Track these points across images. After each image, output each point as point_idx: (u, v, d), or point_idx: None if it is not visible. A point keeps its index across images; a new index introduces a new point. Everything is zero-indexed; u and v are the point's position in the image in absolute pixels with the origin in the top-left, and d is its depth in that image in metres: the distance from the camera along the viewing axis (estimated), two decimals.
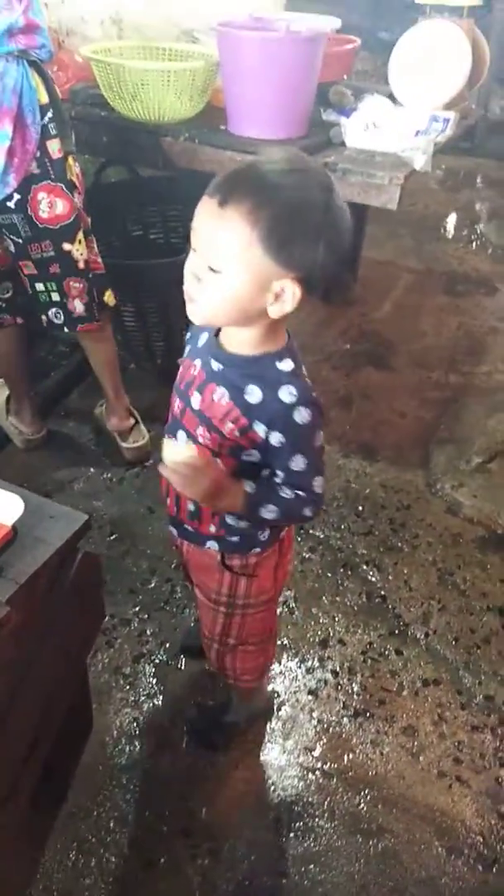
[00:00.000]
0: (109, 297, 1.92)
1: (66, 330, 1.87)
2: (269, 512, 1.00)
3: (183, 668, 1.61)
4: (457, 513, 2.04)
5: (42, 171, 1.62)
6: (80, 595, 1.13)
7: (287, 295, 0.89)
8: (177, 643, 1.65)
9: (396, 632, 1.71)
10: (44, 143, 1.60)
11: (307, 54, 1.85)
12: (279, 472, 1.00)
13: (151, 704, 1.53)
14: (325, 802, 1.40)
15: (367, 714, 1.54)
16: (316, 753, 1.47)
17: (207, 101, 2.13)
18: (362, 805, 1.39)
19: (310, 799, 1.40)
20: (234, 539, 1.11)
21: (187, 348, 1.09)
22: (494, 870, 1.31)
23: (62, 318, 1.82)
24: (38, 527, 1.06)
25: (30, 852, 1.29)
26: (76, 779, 1.40)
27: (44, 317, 1.84)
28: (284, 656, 1.64)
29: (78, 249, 1.73)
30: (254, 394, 0.96)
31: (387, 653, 1.66)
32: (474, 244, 3.67)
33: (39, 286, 1.77)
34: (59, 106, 1.63)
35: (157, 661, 1.61)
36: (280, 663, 1.63)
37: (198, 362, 1.03)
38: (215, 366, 1.00)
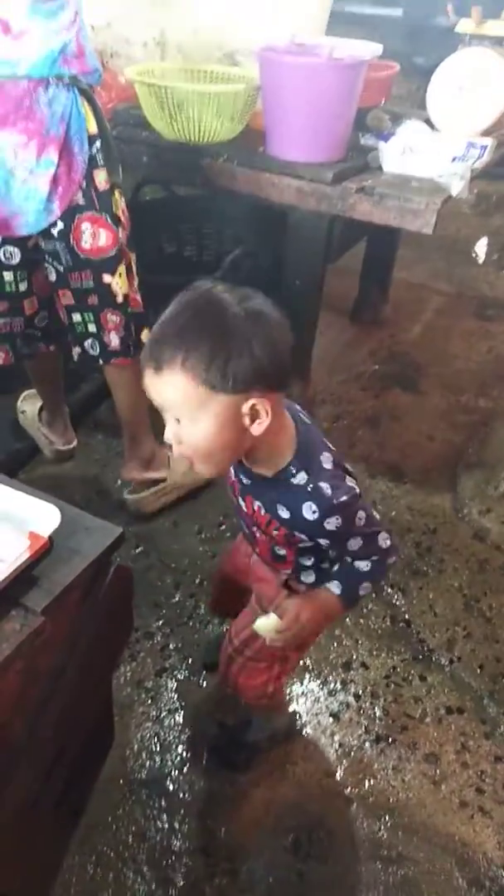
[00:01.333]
0: (146, 336, 1.91)
1: (100, 362, 1.83)
2: (364, 589, 1.07)
3: (205, 684, 1.61)
4: (484, 539, 2.03)
5: (87, 201, 1.59)
6: (112, 608, 1.14)
7: (259, 411, 0.90)
8: (199, 659, 1.65)
9: (420, 657, 1.70)
10: (91, 174, 1.57)
11: (348, 81, 1.87)
12: (346, 557, 1.06)
13: (173, 720, 1.53)
14: (345, 827, 1.38)
15: (390, 739, 1.53)
16: (337, 777, 1.46)
17: (247, 124, 2.16)
18: (383, 832, 1.38)
19: (330, 823, 1.39)
20: (309, 580, 1.14)
21: None
22: None
23: (97, 349, 1.80)
24: (73, 538, 1.07)
25: (48, 864, 1.29)
26: (96, 792, 1.40)
27: (77, 348, 1.81)
28: (307, 677, 1.64)
29: (118, 283, 1.70)
30: (284, 511, 1.00)
31: (410, 678, 1.65)
32: None
33: (76, 316, 1.75)
34: (108, 136, 1.62)
35: (179, 676, 1.62)
36: (302, 684, 1.62)
37: (232, 469, 1.08)
38: (245, 480, 1.05)
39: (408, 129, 2.07)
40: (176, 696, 1.58)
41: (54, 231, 1.61)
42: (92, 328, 1.76)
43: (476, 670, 1.68)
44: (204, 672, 1.62)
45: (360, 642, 1.72)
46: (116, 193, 1.65)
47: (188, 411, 0.89)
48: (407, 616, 1.79)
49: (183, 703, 1.56)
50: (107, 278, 1.67)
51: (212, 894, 1.27)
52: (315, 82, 1.83)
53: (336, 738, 1.53)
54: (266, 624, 1.02)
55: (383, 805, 1.42)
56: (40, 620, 0.96)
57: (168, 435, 0.94)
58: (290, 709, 1.56)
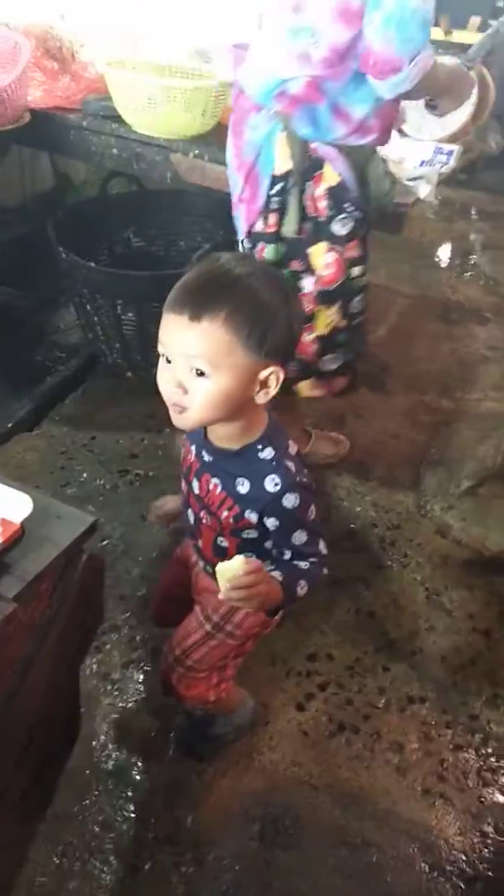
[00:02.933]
0: (309, 389, 1.84)
1: None
2: (301, 588, 1.04)
3: None
4: (445, 535, 2.07)
5: (261, 234, 1.58)
6: (83, 596, 1.13)
7: (272, 381, 0.95)
8: None
9: (384, 649, 1.73)
10: (265, 212, 1.55)
11: None
12: (285, 551, 1.06)
13: (139, 711, 1.53)
14: (311, 815, 1.40)
15: (354, 729, 1.55)
16: (303, 766, 1.48)
17: (217, 121, 2.17)
18: (348, 819, 1.40)
19: (296, 811, 1.41)
20: None
21: None
22: (477, 888, 1.32)
23: None
24: (45, 526, 1.06)
25: (14, 854, 1.28)
26: (62, 783, 1.39)
27: None
28: (273, 667, 1.65)
29: None
30: (243, 485, 1.02)
31: (374, 669, 1.68)
32: (467, 274, 3.74)
33: None
34: (293, 186, 1.51)
35: (146, 668, 1.62)
36: (267, 675, 1.64)
37: (193, 448, 1.10)
38: (207, 457, 1.07)
39: None
40: (142, 687, 1.58)
41: (245, 248, 1.63)
42: None
43: (438, 661, 1.72)
44: None
45: (325, 633, 1.75)
46: (308, 249, 1.58)
47: (215, 364, 0.90)
48: (371, 609, 1.82)
49: (149, 695, 1.56)
50: None
51: (179, 883, 1.28)
52: None
53: (302, 727, 1.55)
54: (230, 565, 0.95)
55: (349, 793, 1.45)
56: (12, 607, 0.95)
57: (169, 381, 0.94)
58: (257, 698, 1.57)
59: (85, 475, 2.12)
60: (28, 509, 1.05)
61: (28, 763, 1.17)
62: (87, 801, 1.37)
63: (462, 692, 1.65)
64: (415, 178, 1.97)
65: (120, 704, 1.54)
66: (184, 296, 0.91)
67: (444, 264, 3.87)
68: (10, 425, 2.19)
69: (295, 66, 1.37)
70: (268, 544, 1.08)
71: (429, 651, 1.74)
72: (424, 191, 1.94)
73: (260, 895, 1.28)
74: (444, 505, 2.16)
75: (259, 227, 1.58)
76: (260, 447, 1.01)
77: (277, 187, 1.51)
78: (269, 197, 1.53)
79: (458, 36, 3.65)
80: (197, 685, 1.27)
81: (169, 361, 0.94)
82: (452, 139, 2.22)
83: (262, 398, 0.96)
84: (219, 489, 1.05)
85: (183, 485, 1.15)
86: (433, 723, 1.59)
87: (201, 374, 0.91)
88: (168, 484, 2.08)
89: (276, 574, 1.03)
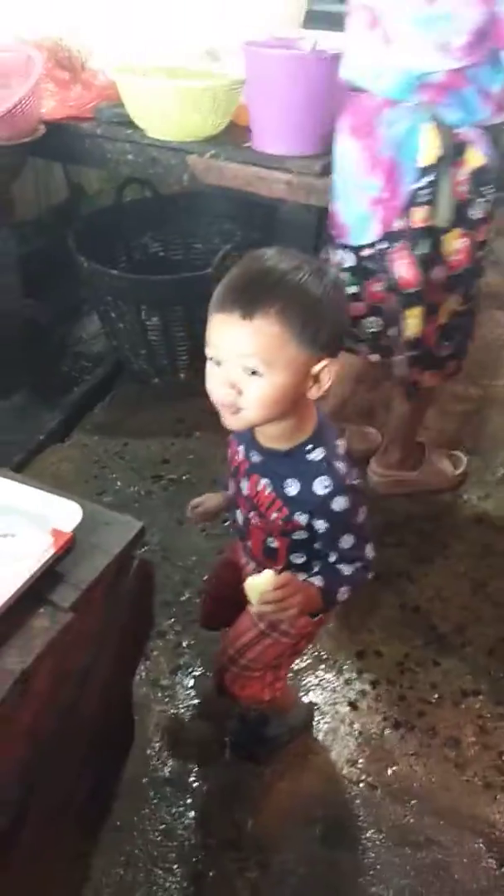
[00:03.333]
0: (429, 379, 1.82)
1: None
2: (342, 594, 1.04)
3: None
4: (486, 523, 2.04)
5: (402, 233, 1.56)
6: (135, 603, 1.13)
7: (325, 376, 0.94)
8: (212, 655, 1.64)
9: (433, 643, 1.71)
10: (410, 207, 1.52)
11: (332, 71, 1.87)
12: (332, 553, 1.04)
13: (191, 716, 1.52)
14: (372, 814, 1.38)
15: (409, 725, 1.53)
16: (359, 765, 1.46)
17: (230, 120, 2.16)
18: (409, 817, 1.38)
19: (356, 811, 1.39)
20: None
21: None
22: None
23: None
24: (95, 534, 1.06)
25: (77, 868, 1.27)
26: (120, 793, 1.38)
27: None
28: (322, 667, 1.63)
29: (410, 321, 1.66)
30: (292, 487, 1.00)
31: (424, 664, 1.66)
32: (487, 260, 3.70)
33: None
34: (444, 177, 1.49)
35: (195, 672, 1.61)
36: (318, 675, 1.62)
37: (241, 448, 1.09)
38: (255, 458, 1.05)
39: None
40: (192, 692, 1.57)
41: (378, 248, 1.60)
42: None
43: (488, 653, 1.69)
44: None
45: (372, 630, 1.72)
46: (449, 235, 1.56)
47: (269, 362, 0.89)
48: (416, 603, 1.80)
49: (201, 700, 1.55)
50: (404, 311, 1.66)
51: (243, 888, 1.26)
52: (302, 74, 1.83)
53: (355, 726, 1.53)
54: (259, 581, 0.96)
55: (407, 790, 1.42)
56: (69, 617, 0.94)
57: (222, 383, 0.92)
58: (307, 700, 1.56)
59: (119, 483, 2.11)
60: (78, 517, 1.04)
61: (88, 773, 1.16)
62: (146, 810, 1.36)
63: None
64: None
65: (171, 711, 1.53)
66: (233, 294, 0.89)
67: None
68: (42, 437, 2.20)
69: (434, 56, 1.35)
70: (317, 545, 1.06)
71: (478, 643, 1.71)
72: None
73: None
74: (482, 493, 2.13)
75: (399, 224, 1.54)
76: (310, 447, 0.99)
77: (425, 179, 1.47)
78: (415, 191, 1.49)
79: None
80: (251, 684, 1.26)
81: (219, 363, 0.92)
82: None
83: (314, 393, 0.95)
84: (268, 490, 1.04)
85: (231, 484, 1.14)
86: (488, 715, 1.56)
87: (255, 373, 0.90)
88: (201, 487, 2.07)
89: (317, 580, 1.03)
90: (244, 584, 0.98)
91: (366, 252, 1.65)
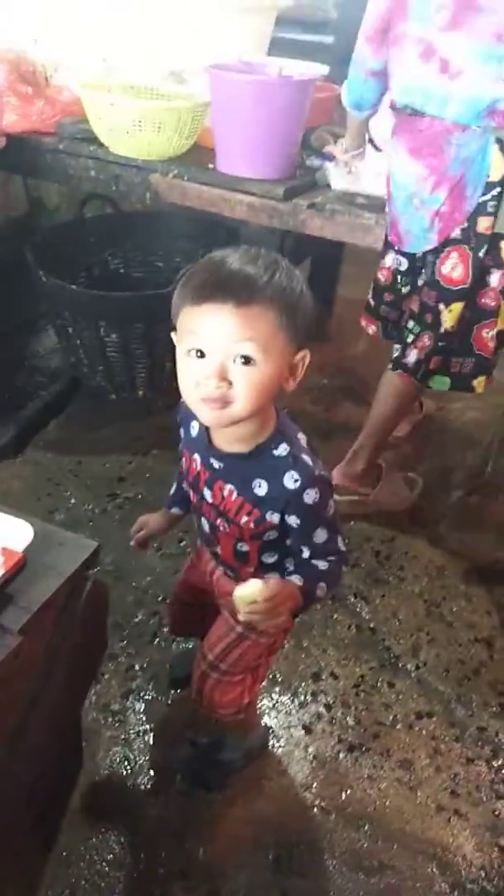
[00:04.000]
0: (479, 385, 1.88)
1: (389, 365, 1.95)
2: (321, 590, 1.02)
3: (174, 703, 1.57)
4: (440, 545, 2.06)
5: (464, 238, 1.66)
6: (87, 625, 1.10)
7: (300, 366, 0.95)
8: (166, 678, 1.61)
9: (388, 664, 1.71)
10: (475, 217, 1.63)
11: (298, 98, 1.91)
12: (304, 549, 1.03)
13: (142, 742, 1.49)
14: (325, 839, 1.37)
15: (363, 748, 1.53)
16: (313, 790, 1.45)
17: (195, 142, 2.17)
18: (363, 841, 1.37)
19: (309, 836, 1.37)
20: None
21: (181, 433, 1.11)
22: None
23: (397, 354, 1.92)
24: (48, 554, 1.04)
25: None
26: (67, 821, 1.34)
27: (398, 346, 1.92)
28: (277, 690, 1.62)
29: (446, 315, 1.75)
30: (261, 486, 0.99)
31: (379, 685, 1.66)
32: None
33: (411, 323, 1.86)
34: None
35: (146, 697, 1.57)
36: (273, 698, 1.60)
37: (197, 457, 1.07)
38: (216, 464, 1.03)
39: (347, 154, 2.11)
40: (144, 717, 1.54)
41: (431, 253, 1.74)
42: (409, 339, 1.86)
43: (442, 674, 1.70)
44: (172, 692, 1.59)
45: (327, 652, 1.72)
46: (502, 244, 1.67)
47: (265, 349, 0.88)
48: (372, 624, 1.80)
49: (152, 725, 1.52)
50: (441, 306, 1.75)
51: None
52: (267, 99, 1.86)
53: (310, 749, 1.51)
54: (247, 592, 0.91)
55: (361, 814, 1.41)
56: (18, 640, 0.91)
57: (209, 375, 0.88)
58: (262, 723, 1.54)
59: (73, 501, 2.08)
60: (29, 537, 1.02)
61: (34, 802, 1.12)
62: (94, 840, 1.32)
63: (468, 704, 1.63)
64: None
65: (122, 736, 1.49)
66: (220, 284, 0.87)
67: None
68: None
69: (501, 87, 1.50)
70: (289, 541, 1.05)
71: (432, 664, 1.72)
72: None
73: None
74: (437, 515, 2.16)
75: (456, 234, 1.67)
76: (274, 445, 0.98)
77: (493, 192, 1.60)
78: (483, 203, 1.62)
79: None
80: (232, 689, 1.24)
81: (204, 355, 0.89)
82: None
83: (291, 385, 0.95)
84: (234, 495, 1.02)
85: (192, 495, 1.12)
86: (442, 737, 1.56)
87: (248, 361, 0.87)
88: (158, 506, 2.05)
89: (296, 579, 1.01)
90: (234, 594, 0.94)
91: (418, 256, 1.79)
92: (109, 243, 2.59)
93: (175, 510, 1.29)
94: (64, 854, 1.29)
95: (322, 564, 1.03)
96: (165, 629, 1.71)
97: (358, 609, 1.84)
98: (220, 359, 0.88)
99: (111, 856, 1.30)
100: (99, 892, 1.25)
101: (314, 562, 1.03)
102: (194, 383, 0.90)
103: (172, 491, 1.28)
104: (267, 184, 1.99)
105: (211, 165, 2.10)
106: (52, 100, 2.28)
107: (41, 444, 2.29)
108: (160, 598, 1.79)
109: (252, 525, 1.02)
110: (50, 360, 2.61)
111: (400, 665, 1.71)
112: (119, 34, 2.27)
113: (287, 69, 2.04)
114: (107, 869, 1.28)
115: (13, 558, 0.97)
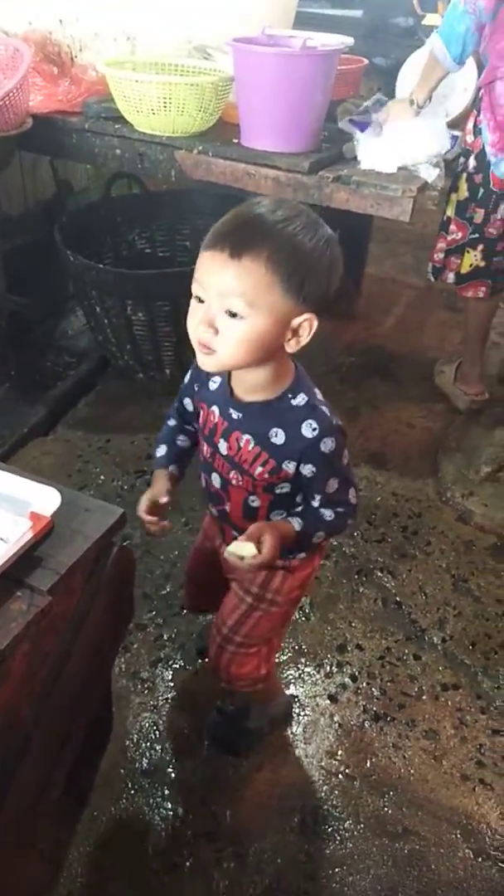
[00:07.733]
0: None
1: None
2: (317, 537, 1.06)
3: (201, 672, 1.59)
4: (468, 521, 2.05)
5: None
6: (114, 589, 1.12)
7: (305, 330, 0.94)
8: (193, 648, 1.64)
9: (413, 637, 1.71)
10: None
11: (323, 70, 1.89)
12: (316, 496, 1.05)
13: (171, 709, 1.52)
14: (350, 805, 1.38)
15: (388, 718, 1.54)
16: (338, 757, 1.46)
17: (219, 117, 2.17)
18: (387, 808, 1.38)
19: (334, 802, 1.39)
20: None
21: (196, 388, 1.13)
22: None
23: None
24: (75, 519, 1.06)
25: (53, 858, 1.26)
26: (97, 784, 1.38)
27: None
28: (303, 661, 1.64)
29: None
30: (278, 436, 1.01)
31: (405, 658, 1.66)
32: None
33: None
34: None
35: (175, 665, 1.60)
36: (299, 668, 1.62)
37: (215, 409, 1.08)
38: (235, 415, 1.04)
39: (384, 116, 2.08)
40: (172, 685, 1.57)
41: None
42: None
43: (468, 647, 1.70)
44: (199, 660, 1.61)
45: (353, 625, 1.73)
46: None
47: (251, 304, 0.88)
48: (398, 598, 1.81)
49: (180, 692, 1.55)
50: None
51: (221, 878, 1.26)
52: (291, 72, 1.84)
53: (335, 718, 1.53)
54: (241, 548, 0.98)
55: (386, 782, 1.43)
56: (47, 600, 0.94)
57: (201, 320, 0.91)
58: (288, 692, 1.56)
59: (102, 477, 2.11)
60: (56, 502, 1.04)
61: (65, 760, 1.16)
62: (124, 801, 1.36)
63: (494, 677, 1.63)
64: (420, 164, 1.95)
65: (151, 703, 1.52)
66: (224, 234, 0.89)
67: None
68: (25, 430, 2.19)
69: None
70: (299, 498, 1.07)
71: (458, 638, 1.72)
72: (431, 175, 1.92)
73: (303, 888, 1.26)
74: (465, 491, 2.14)
75: None
76: (292, 395, 1.00)
77: None
78: None
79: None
80: (249, 661, 1.26)
81: (202, 301, 0.91)
82: (453, 124, 2.22)
83: (292, 347, 0.95)
84: (251, 445, 1.03)
85: (205, 448, 1.12)
86: (468, 708, 1.57)
87: (235, 315, 0.89)
88: (184, 482, 2.07)
89: (296, 523, 1.04)
90: (228, 548, 0.99)
91: None
92: (136, 223, 2.60)
93: (172, 469, 1.24)
94: (95, 814, 1.33)
95: (328, 514, 1.05)
96: None
97: (384, 583, 1.84)
98: (212, 307, 0.90)
99: (140, 816, 1.33)
100: (128, 850, 1.28)
101: (322, 510, 1.05)
102: (194, 326, 0.93)
103: (163, 452, 1.24)
104: (292, 157, 1.98)
105: (235, 140, 2.10)
106: (77, 79, 2.29)
107: (71, 422, 2.33)
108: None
109: (267, 475, 1.03)
110: (79, 340, 2.65)
111: (426, 638, 1.71)
112: (143, 11, 2.27)
113: (311, 41, 2.01)
114: (135, 828, 1.31)
115: (41, 522, 0.99)
